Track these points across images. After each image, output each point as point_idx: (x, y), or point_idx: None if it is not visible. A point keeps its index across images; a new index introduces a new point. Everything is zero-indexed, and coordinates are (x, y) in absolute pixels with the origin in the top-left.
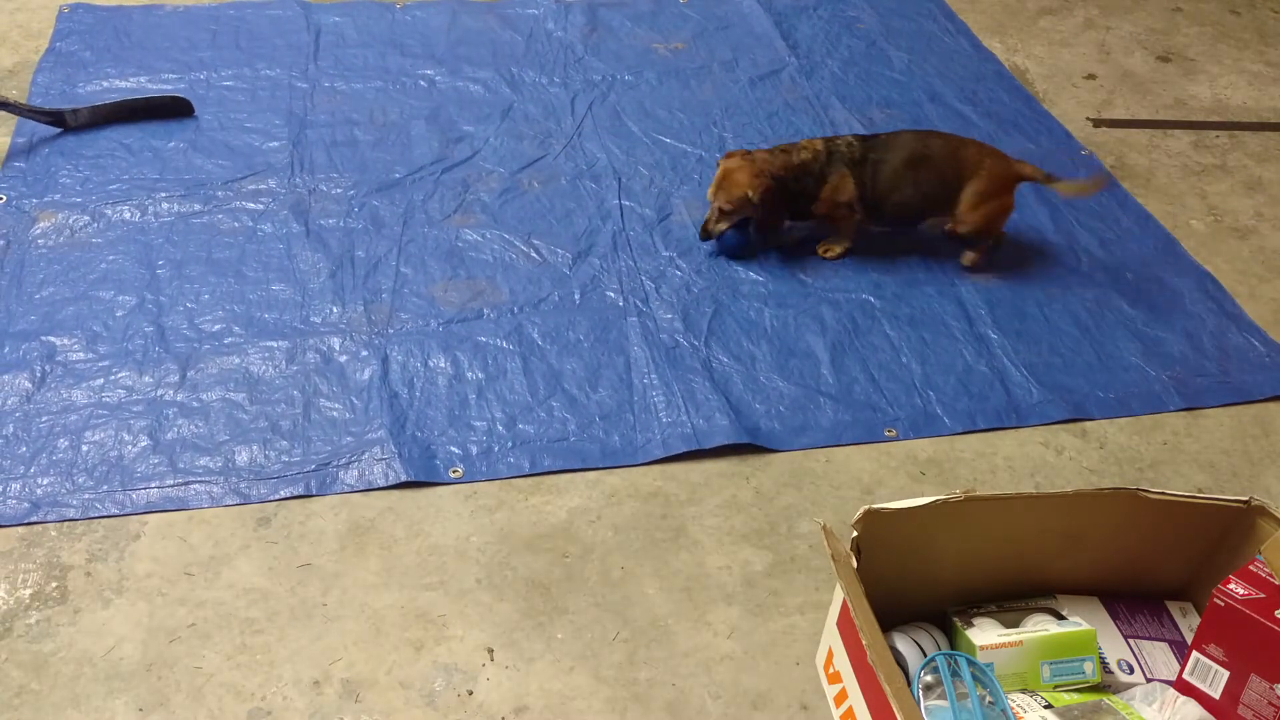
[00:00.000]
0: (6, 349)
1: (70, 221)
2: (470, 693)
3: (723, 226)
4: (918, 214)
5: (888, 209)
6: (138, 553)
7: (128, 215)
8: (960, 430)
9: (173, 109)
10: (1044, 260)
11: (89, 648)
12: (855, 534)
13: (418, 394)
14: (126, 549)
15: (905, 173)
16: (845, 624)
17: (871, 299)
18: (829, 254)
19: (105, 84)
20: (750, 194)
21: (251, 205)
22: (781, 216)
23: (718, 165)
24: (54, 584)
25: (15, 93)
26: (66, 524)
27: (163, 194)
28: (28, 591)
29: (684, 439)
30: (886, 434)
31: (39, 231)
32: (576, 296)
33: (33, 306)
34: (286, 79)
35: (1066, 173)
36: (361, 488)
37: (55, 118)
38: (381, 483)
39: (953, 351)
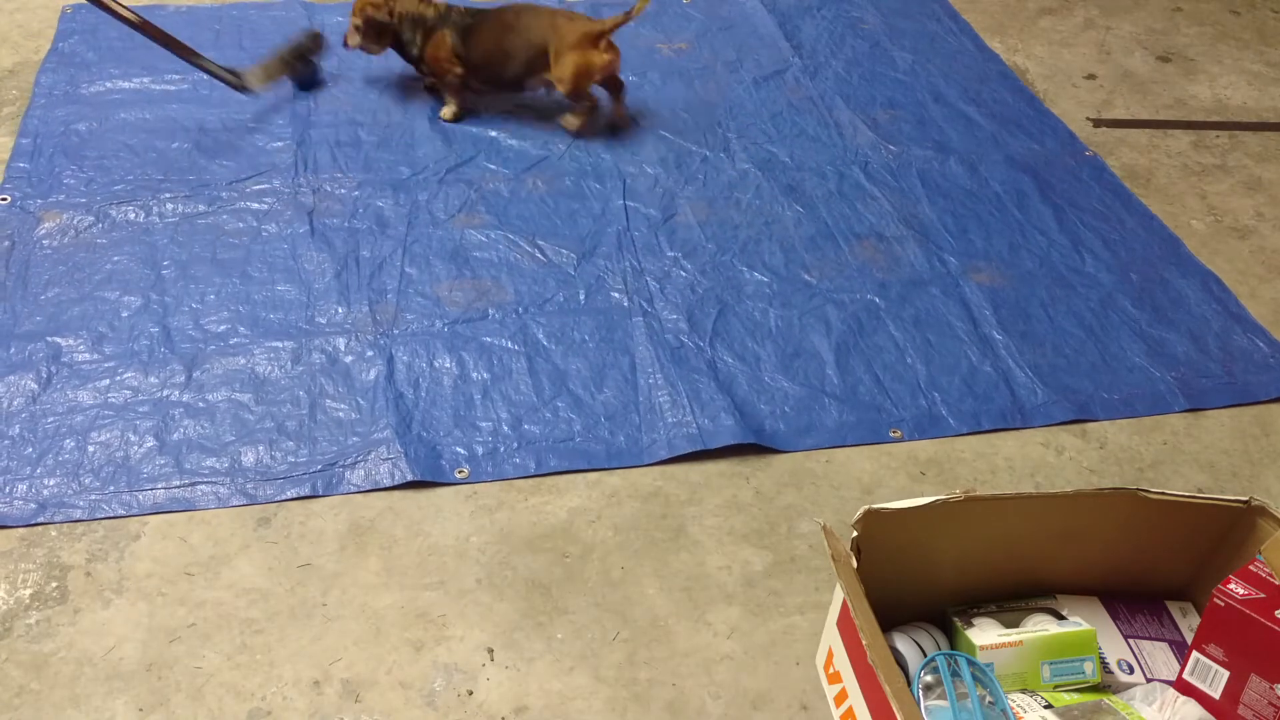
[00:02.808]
0: (12, 350)
1: (75, 222)
2: (470, 693)
3: (356, 40)
4: (514, 77)
5: (487, 71)
6: (138, 553)
7: (132, 216)
8: (965, 431)
9: (312, 48)
10: (1048, 261)
11: (89, 648)
12: (855, 534)
13: (423, 394)
14: (127, 549)
15: (496, 38)
16: (845, 624)
17: (876, 299)
18: (444, 114)
19: (109, 84)
20: (358, 17)
21: (256, 206)
22: (380, 46)
23: None
24: (54, 584)
25: (15, 93)
26: (67, 524)
27: (167, 195)
28: (28, 591)
29: (689, 439)
30: (891, 435)
31: (44, 232)
32: (581, 297)
33: (38, 307)
34: None
35: (1071, 175)
36: (368, 488)
37: (237, 80)
38: (388, 483)
39: (957, 352)
